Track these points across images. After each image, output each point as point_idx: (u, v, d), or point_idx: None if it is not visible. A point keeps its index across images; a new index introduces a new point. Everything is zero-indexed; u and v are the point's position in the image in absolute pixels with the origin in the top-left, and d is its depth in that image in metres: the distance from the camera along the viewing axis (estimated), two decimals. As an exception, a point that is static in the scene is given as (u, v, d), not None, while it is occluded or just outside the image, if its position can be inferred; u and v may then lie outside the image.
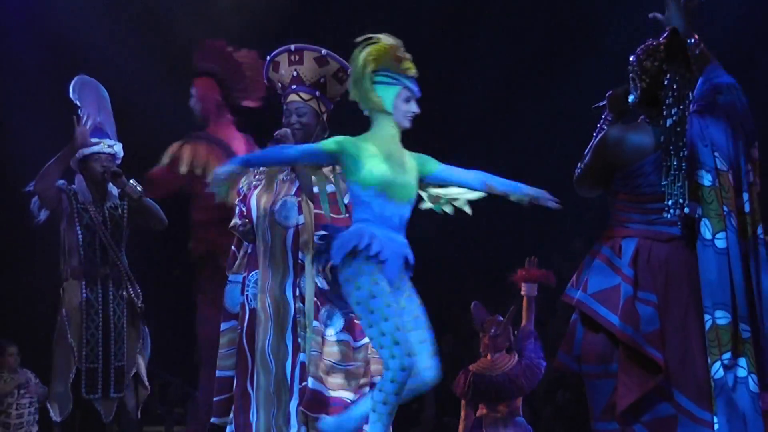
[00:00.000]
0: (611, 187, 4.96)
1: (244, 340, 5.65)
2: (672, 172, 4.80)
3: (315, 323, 5.49)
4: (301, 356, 5.51)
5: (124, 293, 6.82)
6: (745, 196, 4.83)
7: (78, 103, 6.78)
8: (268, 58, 5.85)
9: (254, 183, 5.78)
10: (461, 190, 5.25)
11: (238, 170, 5.01)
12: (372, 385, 5.56)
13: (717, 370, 4.73)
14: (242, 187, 5.82)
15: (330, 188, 5.57)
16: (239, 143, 6.14)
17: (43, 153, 6.83)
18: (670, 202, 4.80)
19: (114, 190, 6.82)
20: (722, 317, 4.75)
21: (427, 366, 5.05)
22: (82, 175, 6.83)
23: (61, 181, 6.81)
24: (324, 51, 5.74)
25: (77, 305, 6.75)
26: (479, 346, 7.06)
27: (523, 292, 6.90)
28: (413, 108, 5.19)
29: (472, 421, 7.04)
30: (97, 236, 6.79)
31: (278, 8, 10.27)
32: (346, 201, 5.57)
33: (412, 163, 5.19)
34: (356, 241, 4.97)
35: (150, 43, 6.31)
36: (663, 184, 4.81)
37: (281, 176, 5.73)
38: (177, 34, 9.37)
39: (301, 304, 5.55)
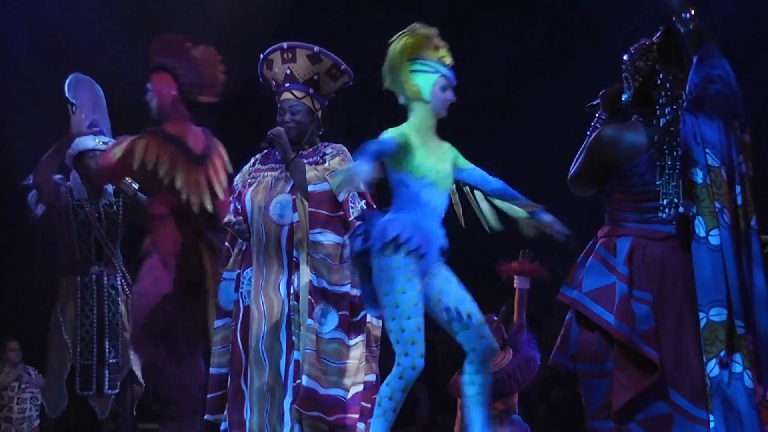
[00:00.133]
0: (606, 186, 4.96)
1: (239, 338, 5.65)
2: (666, 172, 4.80)
3: (309, 321, 5.49)
4: (295, 354, 5.51)
5: (119, 290, 6.82)
6: (738, 188, 4.83)
7: (73, 101, 6.78)
8: (261, 56, 5.85)
9: (249, 181, 5.78)
10: (486, 208, 5.31)
11: (372, 171, 4.92)
12: (365, 384, 5.56)
13: (712, 368, 4.73)
14: (237, 184, 5.82)
15: (325, 186, 5.57)
16: (196, 139, 6.14)
17: (41, 151, 6.83)
18: (665, 202, 4.80)
19: (109, 187, 6.83)
20: (718, 314, 4.74)
21: (483, 335, 5.15)
22: (78, 172, 6.83)
23: (58, 176, 6.82)
24: (317, 48, 5.74)
25: (72, 302, 6.75)
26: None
27: (516, 285, 6.92)
28: (450, 96, 5.23)
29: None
30: (92, 233, 6.80)
31: (275, 6, 10.27)
32: (340, 199, 5.57)
33: (448, 153, 5.25)
34: (398, 231, 5.01)
35: (145, 40, 6.28)
36: (657, 183, 4.81)
37: (276, 174, 5.73)
38: (173, 32, 9.36)
39: (296, 302, 5.54)
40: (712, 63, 4.89)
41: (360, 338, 5.54)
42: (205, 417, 5.78)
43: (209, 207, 6.06)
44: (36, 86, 9.86)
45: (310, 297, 5.50)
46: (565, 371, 5.00)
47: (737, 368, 4.73)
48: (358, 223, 5.22)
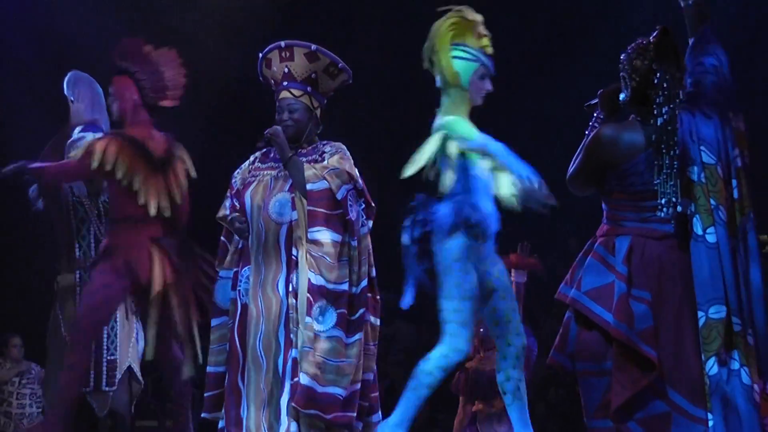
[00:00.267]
0: (605, 185, 4.96)
1: (236, 336, 5.64)
2: (664, 171, 4.80)
3: (307, 319, 5.48)
4: (293, 352, 5.50)
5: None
6: (734, 182, 4.84)
7: (72, 99, 6.79)
8: (260, 55, 5.85)
9: (249, 179, 5.77)
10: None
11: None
12: (363, 382, 5.56)
13: (711, 366, 4.73)
14: (235, 181, 5.81)
15: (323, 185, 5.57)
16: (157, 143, 6.16)
17: (40, 150, 6.82)
18: (663, 201, 4.81)
19: (108, 184, 6.82)
20: (717, 312, 4.75)
21: (519, 332, 5.31)
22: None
23: None
24: (314, 46, 5.73)
25: (71, 298, 6.74)
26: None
27: (512, 279, 6.92)
28: (488, 86, 5.27)
29: (468, 416, 7.05)
30: (92, 230, 6.78)
31: (272, 4, 10.27)
32: (339, 197, 5.57)
33: None
34: (469, 214, 5.06)
35: (145, 39, 6.28)
36: (655, 182, 4.81)
37: (275, 173, 5.72)
38: (169, 28, 9.37)
39: (294, 300, 5.53)
40: (706, 50, 4.91)
41: (358, 336, 5.54)
42: (202, 415, 5.80)
43: (166, 212, 6.10)
44: (35, 86, 9.87)
45: (308, 295, 5.50)
46: (564, 370, 5.00)
47: (735, 365, 4.74)
48: (415, 210, 5.30)
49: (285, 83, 5.75)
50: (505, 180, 5.32)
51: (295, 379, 5.46)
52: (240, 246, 5.75)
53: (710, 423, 4.71)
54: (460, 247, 5.16)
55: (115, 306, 6.27)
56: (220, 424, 5.66)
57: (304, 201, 5.58)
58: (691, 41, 4.92)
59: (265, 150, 5.83)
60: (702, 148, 4.83)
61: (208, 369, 5.76)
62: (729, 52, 4.95)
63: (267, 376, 5.54)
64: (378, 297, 5.76)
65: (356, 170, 5.70)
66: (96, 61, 7.46)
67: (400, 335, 11.65)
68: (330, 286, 5.51)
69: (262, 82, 5.94)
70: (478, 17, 5.28)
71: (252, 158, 5.87)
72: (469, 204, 5.17)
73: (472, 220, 5.13)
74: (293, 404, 5.42)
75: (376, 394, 5.76)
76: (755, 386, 4.74)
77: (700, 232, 4.80)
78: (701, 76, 4.90)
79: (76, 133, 6.68)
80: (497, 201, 5.34)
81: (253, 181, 5.74)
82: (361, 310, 5.58)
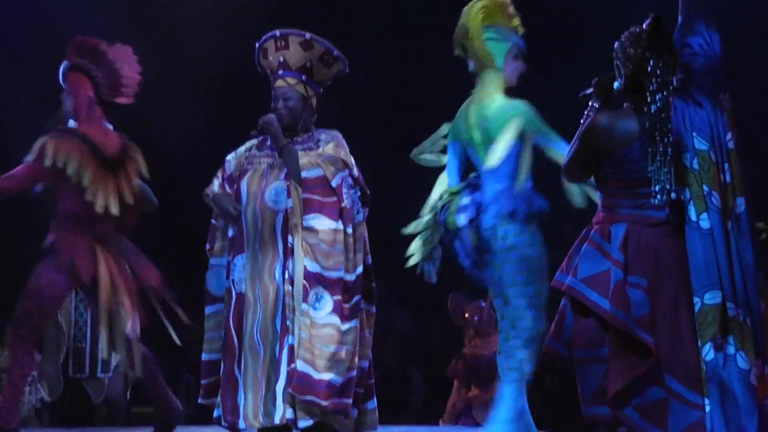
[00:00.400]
0: (600, 173, 4.96)
1: (231, 324, 5.64)
2: (658, 158, 4.80)
3: (304, 306, 5.48)
4: (290, 339, 5.50)
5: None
6: (726, 166, 4.84)
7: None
8: (257, 45, 5.84)
9: (245, 167, 5.77)
10: None
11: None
12: (359, 369, 5.55)
13: (708, 352, 4.73)
14: (228, 164, 5.80)
15: (318, 172, 5.57)
16: (109, 141, 6.07)
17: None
18: (657, 188, 4.80)
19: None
20: (712, 298, 4.76)
21: (541, 317, 5.37)
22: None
23: None
24: (308, 35, 5.72)
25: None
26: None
27: None
28: (522, 65, 5.26)
29: (463, 402, 7.05)
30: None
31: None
32: (334, 185, 5.56)
33: None
34: (541, 203, 5.13)
35: (141, 32, 6.26)
36: (650, 170, 4.81)
37: (271, 161, 5.72)
38: (168, 23, 9.36)
39: (290, 287, 5.53)
40: (694, 29, 4.91)
41: (354, 323, 5.54)
42: (199, 401, 5.80)
43: (114, 210, 6.00)
44: (35, 85, 9.84)
45: (304, 282, 5.50)
46: (560, 358, 5.00)
47: (731, 350, 4.75)
48: (467, 191, 5.38)
49: (280, 72, 5.74)
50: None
51: (292, 366, 5.46)
52: (231, 234, 5.74)
53: (707, 408, 4.72)
54: (533, 235, 5.32)
55: (59, 303, 6.17)
56: (216, 412, 5.66)
57: (299, 189, 5.58)
58: (679, 20, 4.93)
59: (261, 138, 5.83)
60: (694, 134, 4.84)
61: (204, 357, 5.77)
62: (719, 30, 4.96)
63: (264, 363, 5.54)
64: (373, 284, 5.76)
65: (352, 158, 5.70)
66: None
67: (395, 323, 11.66)
68: (326, 273, 5.51)
69: (260, 73, 5.94)
70: None
71: (249, 144, 5.86)
72: (536, 195, 5.29)
73: (544, 211, 5.25)
74: (290, 390, 5.43)
75: (372, 381, 5.76)
76: (753, 369, 4.74)
77: (694, 218, 4.80)
78: (690, 59, 4.90)
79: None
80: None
81: (250, 169, 5.74)
82: (357, 297, 5.58)
